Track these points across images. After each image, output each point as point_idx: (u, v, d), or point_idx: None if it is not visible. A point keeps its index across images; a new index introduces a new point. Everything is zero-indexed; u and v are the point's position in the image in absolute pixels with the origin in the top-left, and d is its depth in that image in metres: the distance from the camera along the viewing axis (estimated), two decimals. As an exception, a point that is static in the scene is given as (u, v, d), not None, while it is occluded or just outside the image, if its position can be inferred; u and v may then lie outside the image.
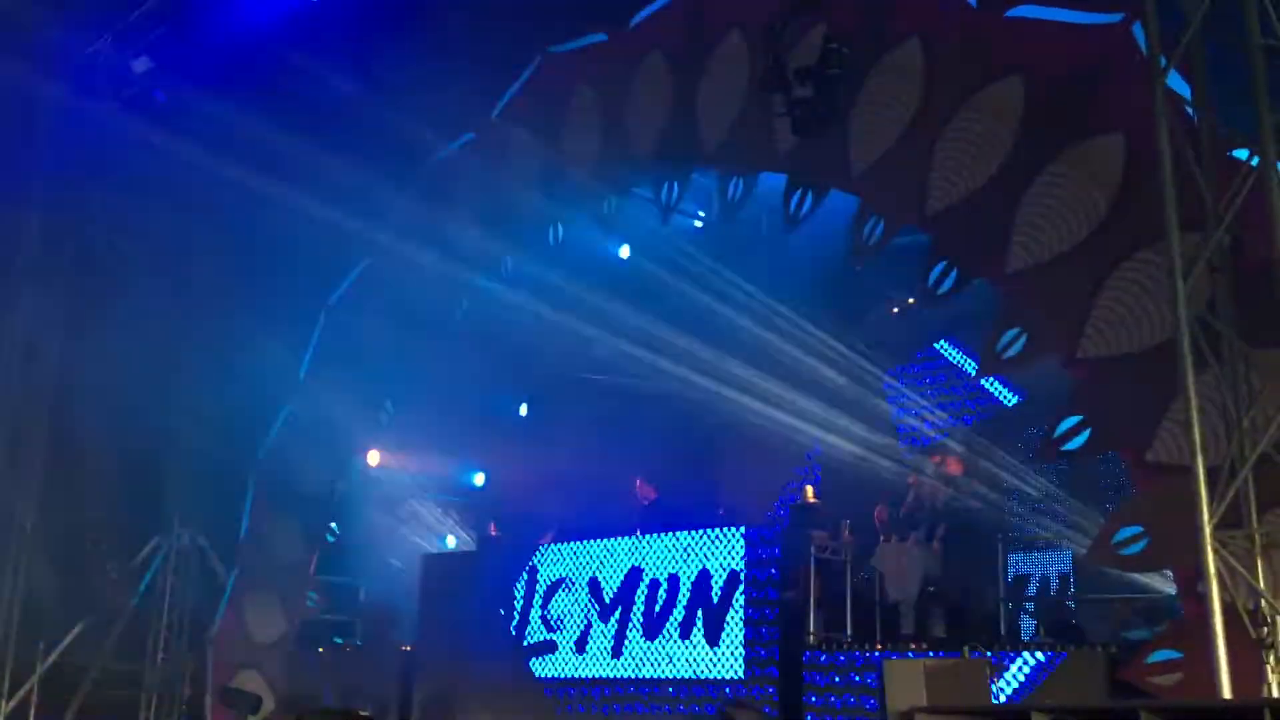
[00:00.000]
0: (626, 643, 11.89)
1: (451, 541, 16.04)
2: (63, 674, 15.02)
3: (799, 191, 11.49)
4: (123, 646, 15.57)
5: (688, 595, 11.49)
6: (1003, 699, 8.87)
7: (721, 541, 11.43)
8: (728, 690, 10.98)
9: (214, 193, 14.50)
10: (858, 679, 10.16)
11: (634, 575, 12.02)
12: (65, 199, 15.33)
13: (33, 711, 14.68)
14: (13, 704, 14.50)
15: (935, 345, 14.15)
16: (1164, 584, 9.73)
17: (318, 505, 15.47)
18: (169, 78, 14.56)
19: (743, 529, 11.45)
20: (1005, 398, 13.59)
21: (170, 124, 14.74)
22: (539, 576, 12.93)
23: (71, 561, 15.28)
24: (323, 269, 15.74)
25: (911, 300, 13.29)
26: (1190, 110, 8.29)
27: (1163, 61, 8.07)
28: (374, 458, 15.86)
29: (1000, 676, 9.18)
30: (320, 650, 14.79)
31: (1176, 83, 8.37)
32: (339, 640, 15.14)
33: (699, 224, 14.83)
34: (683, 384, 16.06)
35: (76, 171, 15.19)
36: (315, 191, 14.03)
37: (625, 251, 14.97)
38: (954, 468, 11.45)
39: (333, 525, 15.67)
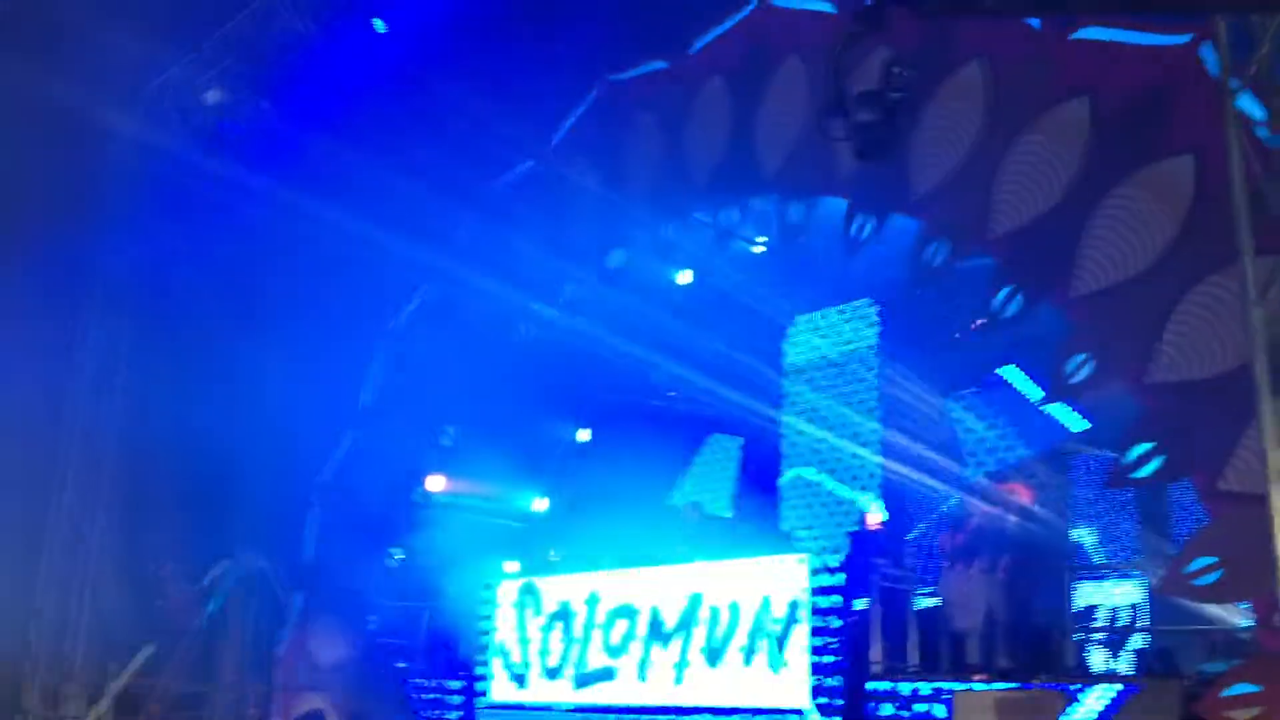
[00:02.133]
0: (688, 670, 11.82)
1: (512, 567, 16.08)
2: (132, 694, 15.24)
3: (859, 216, 11.44)
4: (191, 668, 15.77)
5: (750, 622, 11.39)
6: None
7: (784, 568, 11.32)
8: (791, 719, 10.87)
9: (278, 221, 14.74)
10: (922, 709, 10.01)
11: (695, 602, 11.95)
12: (132, 229, 15.66)
13: (103, 731, 14.92)
14: (85, 723, 14.73)
15: (1000, 371, 13.98)
16: (1240, 617, 9.50)
17: (380, 530, 15.60)
18: (237, 108, 14.84)
19: (806, 555, 11.35)
20: (1075, 424, 13.38)
21: (236, 153, 15.03)
22: (599, 603, 12.91)
23: (139, 584, 15.51)
24: (384, 295, 15.93)
25: (978, 324, 13.14)
26: (1261, 131, 8.14)
27: (1234, 84, 7.94)
28: (436, 483, 15.97)
29: (1071, 708, 9.00)
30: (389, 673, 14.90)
31: (1246, 104, 8.23)
32: (402, 664, 15.22)
33: (759, 249, 14.80)
34: (743, 409, 16.04)
35: (143, 201, 15.53)
36: (377, 219, 14.22)
37: (685, 277, 14.99)
38: (1024, 495, 11.26)
39: (395, 550, 15.79)
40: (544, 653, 13.25)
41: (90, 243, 15.53)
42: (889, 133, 9.90)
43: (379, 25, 14.23)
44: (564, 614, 13.21)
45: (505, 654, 13.71)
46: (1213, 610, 10.11)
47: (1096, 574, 13.19)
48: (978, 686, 9.09)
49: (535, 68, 13.83)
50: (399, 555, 15.78)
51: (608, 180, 13.88)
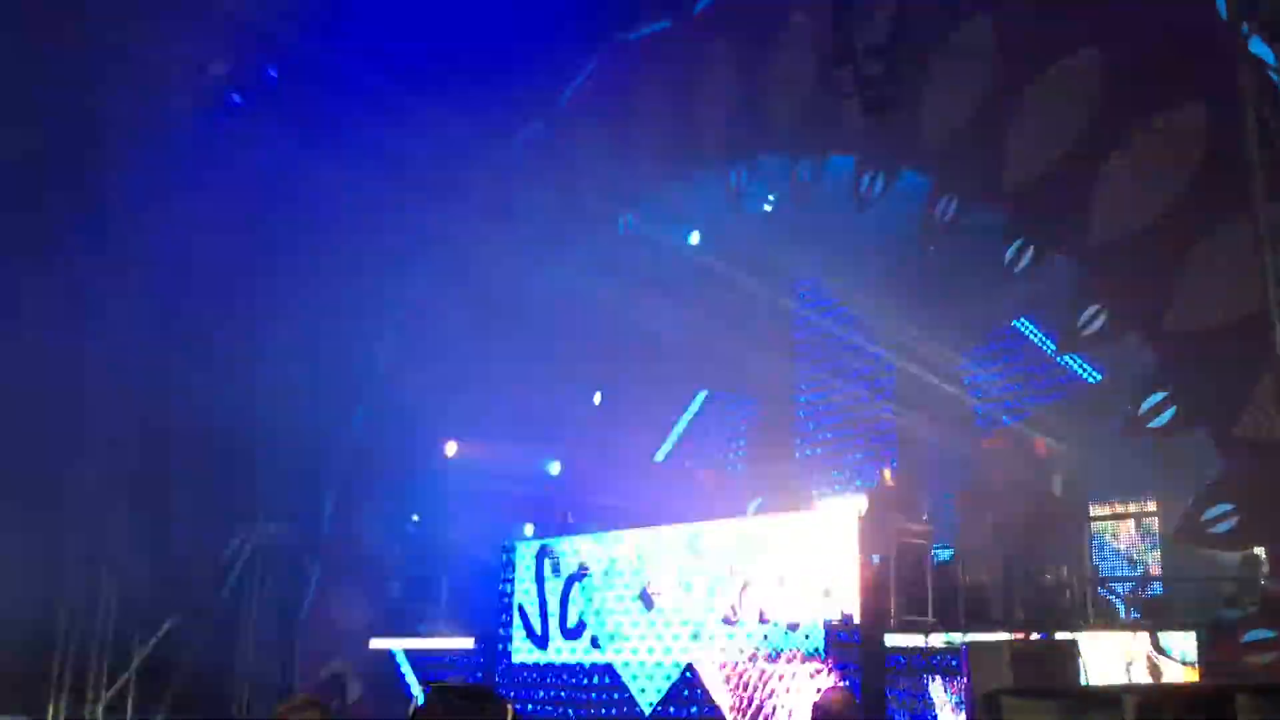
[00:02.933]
0: (704, 627, 11.91)
1: (529, 531, 16.19)
2: (157, 665, 15.43)
3: (869, 172, 11.39)
4: (215, 638, 15.95)
5: (765, 581, 11.45)
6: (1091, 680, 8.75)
7: (799, 527, 11.37)
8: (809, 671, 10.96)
9: (291, 190, 14.74)
10: (939, 661, 10.07)
11: (711, 561, 12.01)
12: (148, 202, 15.67)
13: (130, 703, 15.12)
14: (111, 694, 14.93)
15: (1013, 324, 13.95)
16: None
17: (398, 496, 15.72)
18: (246, 78, 14.82)
19: (820, 513, 11.40)
20: (1089, 375, 13.36)
21: (247, 122, 15.01)
22: (615, 563, 13.00)
23: (163, 556, 15.66)
24: (397, 262, 15.93)
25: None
26: (1274, 75, 8.07)
27: (1245, 29, 7.86)
28: (452, 448, 16.06)
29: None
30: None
31: (1258, 49, 8.15)
32: (422, 629, 15.38)
33: (769, 208, 14.76)
34: (756, 369, 16.04)
35: (158, 174, 15.51)
36: (389, 184, 14.21)
37: (695, 238, 14.97)
38: (1039, 448, 11.25)
39: (413, 516, 15.91)
40: (563, 614, 13.37)
41: (104, 215, 15.56)
42: (897, 87, 9.89)
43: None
44: (581, 575, 13.32)
45: (524, 615, 13.84)
46: (1228, 557, 10.14)
47: (1113, 524, 13.20)
48: (991, 637, 9.13)
49: (542, 29, 13.75)
50: (416, 520, 15.91)
51: (616, 140, 13.82)
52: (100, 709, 14.80)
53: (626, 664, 12.58)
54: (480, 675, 14.27)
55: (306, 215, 14.83)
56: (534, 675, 13.56)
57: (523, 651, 13.73)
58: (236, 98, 14.75)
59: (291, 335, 15.29)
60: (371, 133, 13.83)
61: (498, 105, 14.14)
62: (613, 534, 13.15)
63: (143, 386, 15.49)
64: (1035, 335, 13.61)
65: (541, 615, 13.63)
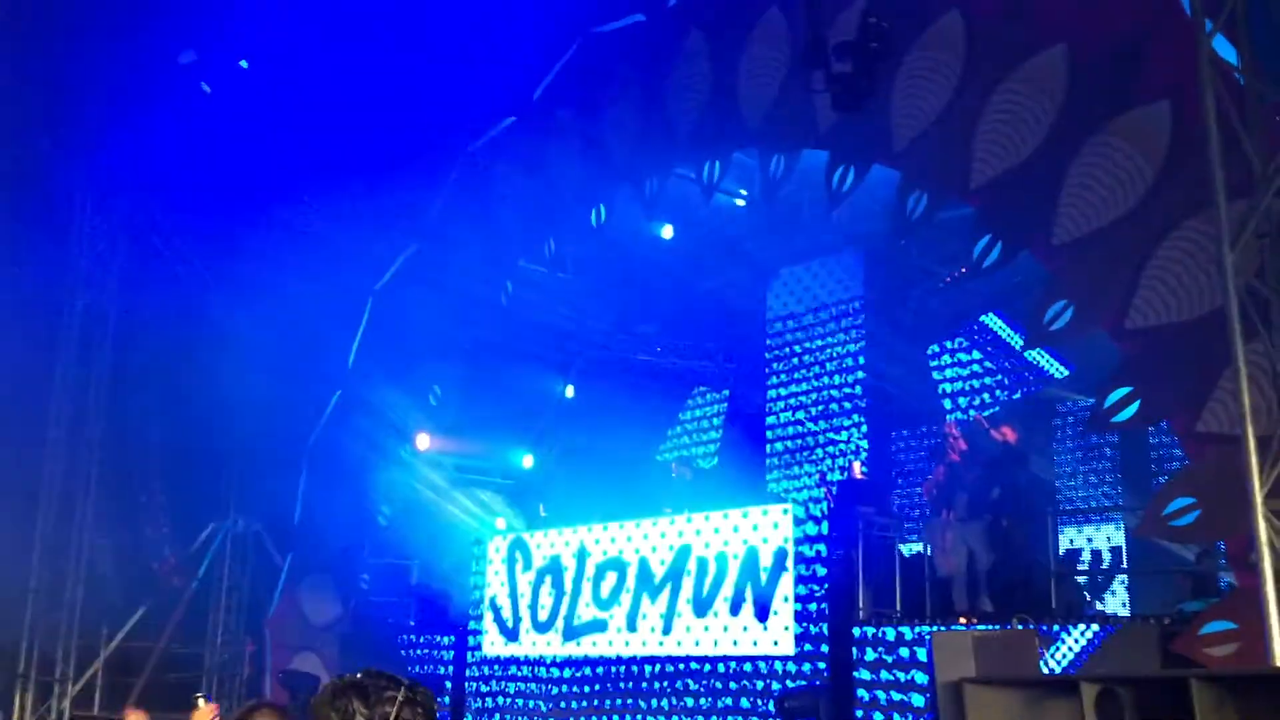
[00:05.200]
0: (676, 620, 11.97)
1: (501, 524, 16.22)
2: (126, 657, 15.36)
3: (841, 168, 11.43)
4: (183, 630, 15.90)
5: (737, 573, 11.54)
6: (1057, 671, 8.86)
7: (769, 519, 11.45)
8: (778, 666, 11.04)
9: (265, 182, 14.69)
10: (907, 654, 10.18)
11: (683, 554, 12.09)
12: (116, 191, 15.59)
13: (98, 694, 15.04)
14: (78, 687, 14.85)
15: (982, 319, 14.08)
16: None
17: (369, 489, 15.70)
18: (215, 70, 14.73)
19: (791, 506, 11.48)
20: (1056, 370, 13.50)
21: (216, 115, 14.93)
22: (588, 557, 13.04)
23: (132, 548, 15.60)
24: (369, 256, 15.90)
25: (959, 273, 13.22)
26: (1238, 75, 8.17)
27: (1208, 25, 7.96)
28: (423, 441, 16.04)
29: (1055, 649, 9.17)
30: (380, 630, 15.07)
31: (1223, 48, 8.25)
32: (391, 621, 15.38)
33: (741, 203, 14.82)
34: (728, 362, 16.11)
35: (126, 164, 15.43)
36: (360, 178, 14.18)
37: (668, 232, 15.01)
38: (1010, 435, 11.34)
39: (384, 508, 15.89)
40: (534, 606, 13.41)
41: (72, 208, 15.46)
42: (868, 83, 9.93)
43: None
44: (554, 568, 13.35)
45: (496, 608, 13.86)
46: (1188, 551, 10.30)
47: (1078, 516, 13.36)
48: (956, 628, 9.23)
49: (515, 23, 13.74)
50: (387, 513, 15.89)
51: (589, 135, 13.83)
52: (68, 702, 14.71)
53: (598, 656, 12.63)
54: (452, 667, 14.30)
55: (276, 209, 14.79)
56: (504, 667, 13.60)
57: (495, 645, 13.76)
58: (206, 87, 14.67)
59: (263, 328, 15.25)
60: (342, 127, 13.80)
61: (470, 99, 14.13)
62: (585, 526, 13.19)
63: (113, 378, 15.42)
64: (1004, 329, 13.76)
65: (513, 608, 13.65)
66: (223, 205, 14.82)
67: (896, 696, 10.13)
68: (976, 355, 14.34)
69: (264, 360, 15.08)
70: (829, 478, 13.74)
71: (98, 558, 15.05)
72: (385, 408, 15.68)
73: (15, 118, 13.19)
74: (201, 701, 5.67)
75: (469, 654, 14.07)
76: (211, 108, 14.90)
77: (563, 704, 12.84)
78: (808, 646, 10.90)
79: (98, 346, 15.43)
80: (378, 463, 15.79)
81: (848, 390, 13.97)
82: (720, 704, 11.51)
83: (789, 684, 10.90)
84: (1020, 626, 8.89)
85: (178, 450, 15.65)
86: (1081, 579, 12.45)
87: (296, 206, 14.99)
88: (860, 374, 13.95)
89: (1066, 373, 13.30)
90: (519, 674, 13.43)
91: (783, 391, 14.77)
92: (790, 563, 11.12)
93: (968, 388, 14.31)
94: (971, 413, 13.65)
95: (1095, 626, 9.18)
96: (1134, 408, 9.01)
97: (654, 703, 12.02)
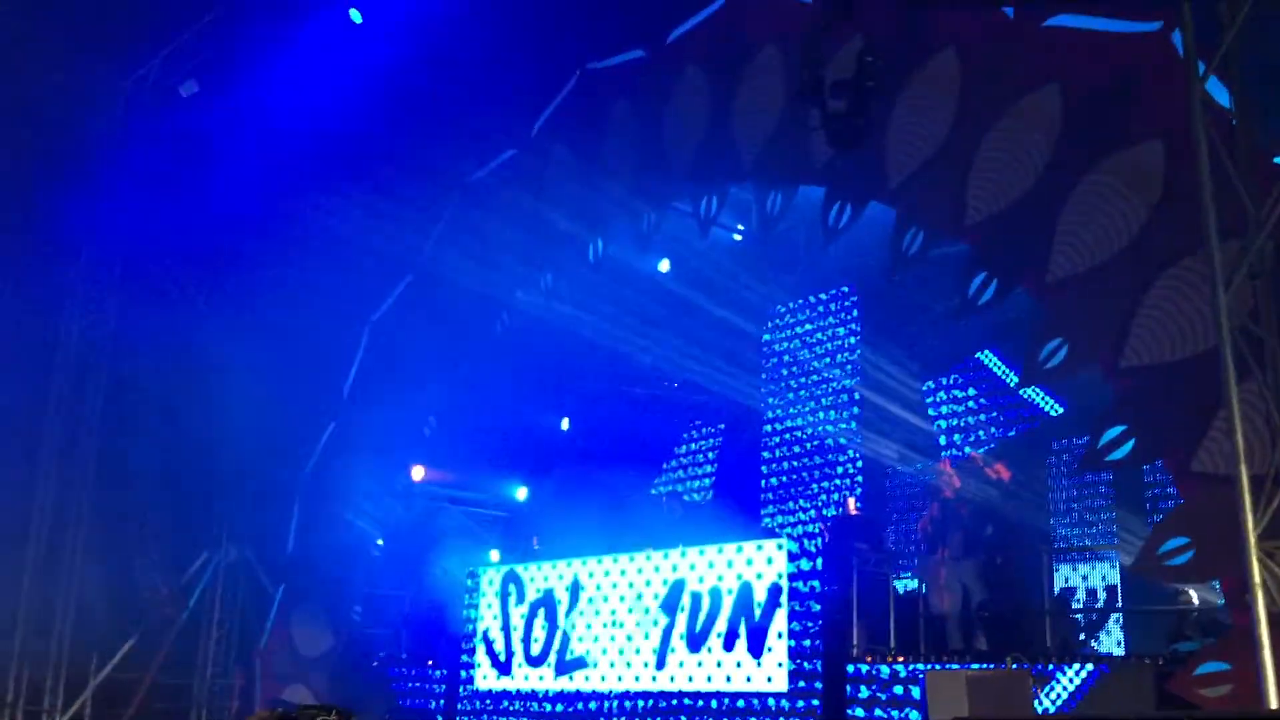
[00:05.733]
0: (670, 655, 11.91)
1: (495, 556, 16.15)
2: (115, 687, 15.26)
3: (837, 204, 11.49)
4: (173, 660, 15.80)
5: (730, 608, 11.48)
6: (1051, 711, 8.81)
7: (763, 554, 11.42)
8: (771, 702, 10.97)
9: (262, 212, 14.75)
10: (901, 692, 10.12)
11: (676, 588, 12.04)
12: (113, 220, 15.64)
13: (86, 724, 14.95)
14: (68, 716, 14.74)
15: (977, 356, 14.10)
16: (1216, 596, 9.62)
17: (363, 520, 15.65)
18: (217, 101, 14.83)
19: (785, 542, 11.44)
20: (1051, 408, 13.50)
21: (215, 144, 15.02)
22: (581, 590, 12.98)
23: (122, 577, 15.53)
24: (366, 286, 15.94)
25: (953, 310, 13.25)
26: (1231, 117, 8.23)
27: (1200, 68, 8.03)
28: (418, 473, 16.01)
29: (1050, 688, 9.12)
30: (374, 664, 14.98)
31: (1216, 90, 8.32)
32: (383, 654, 15.29)
33: (738, 237, 14.87)
34: (724, 397, 16.11)
35: (123, 195, 15.50)
36: (357, 210, 14.23)
37: (664, 266, 15.06)
38: (1004, 473, 11.33)
39: (378, 540, 15.84)
40: (527, 640, 13.33)
41: (69, 238, 15.51)
42: (864, 121, 9.98)
43: (355, 16, 14.23)
44: (547, 601, 13.29)
45: (489, 641, 13.79)
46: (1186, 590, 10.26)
47: (1073, 555, 13.33)
48: (950, 667, 9.18)
49: (514, 57, 13.85)
50: (381, 544, 15.84)
51: (587, 169, 13.91)
52: (56, 731, 14.61)
53: (590, 691, 12.55)
54: (443, 702, 14.20)
55: (276, 238, 14.84)
56: (496, 701, 13.51)
57: (487, 678, 13.67)
58: (205, 118, 14.76)
59: (259, 358, 15.26)
60: (342, 158, 13.87)
61: (469, 132, 14.21)
62: (578, 560, 13.14)
63: (106, 406, 15.41)
64: (998, 367, 13.77)
65: (505, 641, 13.58)
66: (219, 235, 14.87)
67: (890, 735, 10.06)
68: (972, 392, 14.36)
69: (259, 389, 15.09)
70: (824, 513, 13.72)
71: (88, 587, 14.98)
72: (380, 438, 15.66)
73: (11, 145, 13.24)
74: None
75: (461, 687, 13.97)
76: (210, 136, 14.99)
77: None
78: (801, 683, 10.83)
79: (92, 374, 15.44)
80: (372, 493, 15.74)
81: (843, 425, 13.98)
82: (713, 741, 11.43)
83: (781, 721, 10.83)
84: (1015, 666, 8.85)
85: (170, 479, 15.62)
86: (1077, 617, 12.41)
87: (293, 236, 15.03)
88: (855, 409, 13.95)
89: (1061, 410, 13.30)
90: (511, 708, 13.33)
91: (778, 426, 14.78)
92: (784, 598, 11.07)
93: (963, 424, 14.31)
94: (967, 449, 13.64)
95: (1090, 666, 9.13)
96: (1128, 446, 9.01)
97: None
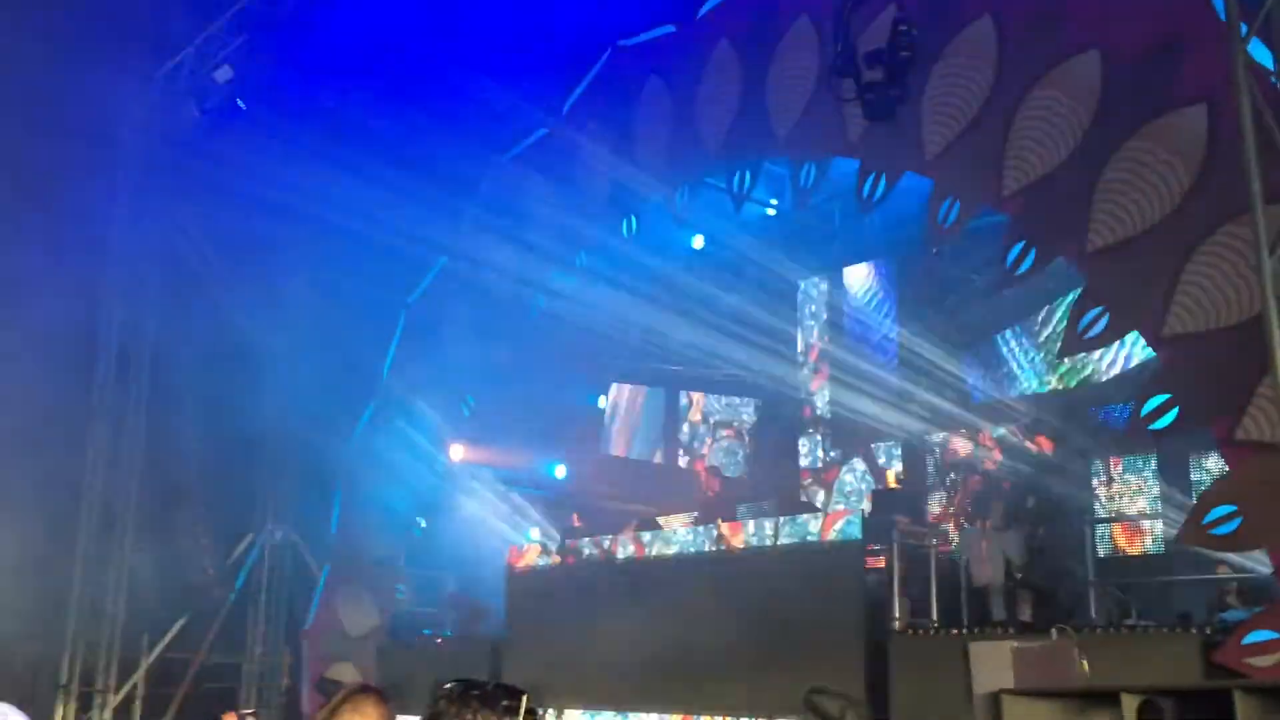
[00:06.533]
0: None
1: (535, 534, 16.26)
2: (166, 667, 15.53)
3: (871, 176, 11.41)
4: (222, 640, 16.05)
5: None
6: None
7: (803, 528, 11.40)
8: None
9: (297, 197, 14.83)
10: (944, 664, 10.08)
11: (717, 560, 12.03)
12: (152, 209, 15.79)
13: (138, 705, 15.21)
14: (119, 698, 15.02)
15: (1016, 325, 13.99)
16: (1263, 564, 9.53)
17: (404, 500, 15.78)
18: (251, 86, 14.90)
19: (823, 514, 11.43)
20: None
21: (253, 130, 15.11)
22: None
23: (171, 560, 15.77)
24: (403, 268, 16.03)
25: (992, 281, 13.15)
26: (1273, 79, 8.09)
27: (1243, 29, 7.89)
28: (457, 452, 16.09)
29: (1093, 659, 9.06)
30: (418, 639, 15.13)
31: (1259, 52, 8.18)
32: (428, 632, 15.45)
33: (772, 212, 14.82)
34: (762, 373, 16.09)
35: (163, 181, 15.64)
36: (394, 192, 14.28)
37: (699, 241, 15.03)
38: (1044, 448, 11.28)
39: (419, 520, 15.97)
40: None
41: (109, 227, 15.68)
42: (898, 91, 9.91)
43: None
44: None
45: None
46: (1233, 558, 10.17)
47: (1117, 524, 13.23)
48: (994, 639, 9.15)
49: (545, 35, 13.82)
50: (423, 524, 15.97)
51: (620, 146, 13.88)
52: (109, 712, 14.89)
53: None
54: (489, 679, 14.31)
55: (311, 222, 14.93)
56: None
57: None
58: (240, 102, 14.83)
59: (300, 342, 15.40)
60: (375, 140, 13.91)
61: (500, 112, 14.22)
62: (621, 536, 13.14)
63: (151, 392, 15.61)
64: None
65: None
66: (254, 221, 14.97)
67: (933, 707, 10.03)
68: (1011, 363, 14.25)
69: (299, 373, 15.23)
70: (864, 487, 13.71)
71: (138, 570, 15.23)
72: (419, 419, 15.78)
73: (44, 141, 13.38)
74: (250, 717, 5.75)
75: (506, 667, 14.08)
76: (243, 122, 15.08)
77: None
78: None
79: (135, 361, 15.64)
80: (413, 473, 15.86)
81: (881, 399, 13.93)
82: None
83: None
84: (1059, 636, 8.81)
85: (215, 463, 15.82)
86: (1120, 587, 12.33)
87: (328, 221, 15.12)
88: (894, 382, 13.90)
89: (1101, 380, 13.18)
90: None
91: (816, 399, 14.75)
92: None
93: (1004, 396, 14.21)
94: (1008, 417, 13.56)
95: (1135, 636, 9.08)
96: (1172, 415, 8.92)
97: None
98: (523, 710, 2.46)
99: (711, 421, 17.84)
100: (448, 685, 2.57)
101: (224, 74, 14.43)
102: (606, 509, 15.28)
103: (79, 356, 15.01)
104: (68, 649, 14.64)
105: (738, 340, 15.62)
